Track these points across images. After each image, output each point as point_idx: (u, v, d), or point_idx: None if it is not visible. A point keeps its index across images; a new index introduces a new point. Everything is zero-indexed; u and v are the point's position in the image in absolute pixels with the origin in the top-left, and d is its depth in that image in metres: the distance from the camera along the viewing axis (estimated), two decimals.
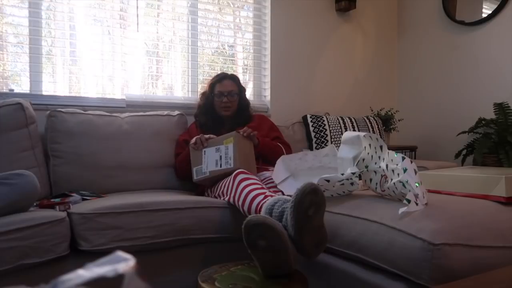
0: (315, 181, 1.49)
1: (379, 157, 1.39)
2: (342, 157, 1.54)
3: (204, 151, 1.88)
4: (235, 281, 1.16)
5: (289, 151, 2.18)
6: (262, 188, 1.56)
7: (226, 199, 1.72)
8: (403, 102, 3.38)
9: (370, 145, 1.42)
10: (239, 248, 1.75)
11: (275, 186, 1.76)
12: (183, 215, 1.60)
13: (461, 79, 2.95)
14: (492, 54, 2.76)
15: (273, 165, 1.93)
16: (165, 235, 1.56)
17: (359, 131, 2.66)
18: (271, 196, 1.47)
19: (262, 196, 1.49)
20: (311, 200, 1.18)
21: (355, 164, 1.45)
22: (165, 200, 1.62)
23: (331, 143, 2.60)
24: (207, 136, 1.91)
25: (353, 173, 1.44)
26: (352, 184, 1.52)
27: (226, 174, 1.78)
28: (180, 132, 2.24)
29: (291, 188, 1.73)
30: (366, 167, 1.44)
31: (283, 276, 1.20)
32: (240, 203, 1.58)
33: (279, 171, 1.77)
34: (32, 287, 0.38)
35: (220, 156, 1.83)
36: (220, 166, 1.83)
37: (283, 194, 1.66)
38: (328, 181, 1.46)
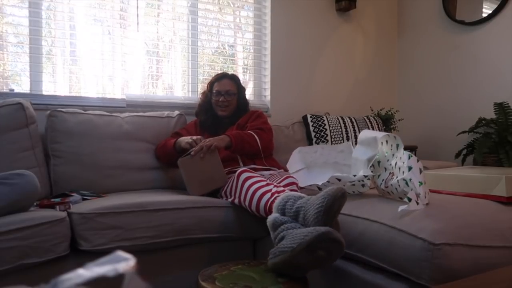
0: (327, 178, 1.49)
1: (393, 155, 1.39)
2: (357, 158, 1.53)
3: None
4: (235, 280, 1.16)
5: (263, 135, 2.04)
6: (268, 184, 1.56)
7: (231, 200, 1.72)
8: (403, 102, 3.37)
9: (387, 141, 1.41)
10: (239, 247, 1.75)
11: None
12: (183, 215, 1.60)
13: (461, 79, 2.95)
14: (492, 54, 2.76)
15: (253, 157, 1.98)
16: (165, 235, 1.56)
17: (359, 131, 2.65)
18: (278, 192, 1.47)
19: (269, 194, 1.49)
20: (339, 204, 1.19)
21: (369, 167, 1.45)
22: (165, 200, 1.62)
23: (331, 143, 2.60)
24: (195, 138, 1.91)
25: (366, 176, 1.44)
26: (363, 186, 1.52)
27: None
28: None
29: (304, 180, 1.72)
30: (379, 162, 1.44)
31: (284, 275, 1.20)
32: (247, 203, 1.58)
33: (294, 162, 1.77)
34: (32, 287, 0.38)
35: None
36: (188, 189, 1.82)
37: (296, 185, 1.66)
38: (339, 180, 1.46)
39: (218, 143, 1.86)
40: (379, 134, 1.43)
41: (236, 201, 1.66)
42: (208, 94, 2.24)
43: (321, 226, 1.16)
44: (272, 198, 1.46)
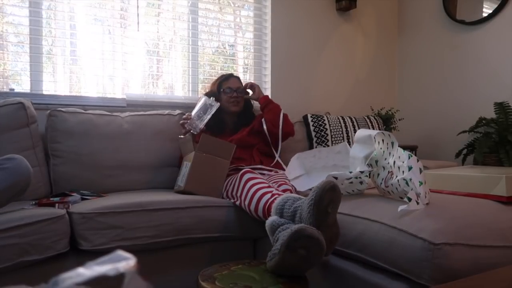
0: (304, 185, 1.49)
1: (390, 153, 1.39)
2: (354, 156, 1.53)
3: (184, 163, 1.89)
4: (235, 280, 1.16)
5: (288, 122, 2.30)
6: (269, 186, 1.56)
7: (232, 201, 1.72)
8: (403, 101, 3.37)
9: (383, 140, 1.42)
10: (240, 247, 1.75)
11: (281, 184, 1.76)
12: (183, 214, 1.60)
13: (461, 78, 2.95)
14: (493, 53, 2.76)
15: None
16: (165, 235, 1.56)
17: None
18: (278, 194, 1.47)
19: (270, 195, 1.49)
20: (330, 197, 1.18)
21: (366, 163, 1.45)
22: (166, 199, 1.62)
23: (332, 143, 2.59)
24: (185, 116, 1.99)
25: (362, 172, 1.44)
26: (361, 183, 1.52)
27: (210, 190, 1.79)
28: (181, 131, 2.24)
29: (304, 185, 1.72)
30: (376, 162, 1.44)
31: (284, 275, 1.20)
32: (246, 202, 1.58)
33: (293, 168, 1.77)
34: (33, 286, 0.38)
35: (184, 173, 1.82)
36: (179, 183, 1.83)
37: (291, 192, 1.66)
38: (336, 178, 1.46)
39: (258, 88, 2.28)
40: (373, 132, 1.43)
41: (238, 202, 1.67)
42: (215, 93, 2.24)
43: (314, 220, 1.16)
44: (272, 198, 1.46)
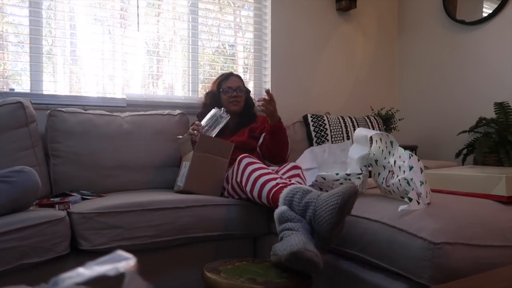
0: (314, 177, 1.50)
1: (389, 152, 1.39)
2: (351, 157, 1.53)
3: (183, 163, 1.89)
4: (240, 273, 1.16)
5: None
6: (270, 173, 1.55)
7: (234, 180, 1.70)
8: (403, 101, 3.37)
9: (381, 139, 1.42)
10: (240, 246, 1.75)
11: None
12: (183, 213, 1.60)
13: (461, 78, 2.95)
14: (493, 53, 2.76)
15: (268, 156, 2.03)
16: (165, 234, 1.56)
17: None
18: (283, 183, 1.46)
19: (274, 183, 1.48)
20: (353, 202, 1.21)
21: (362, 165, 1.45)
22: (165, 199, 1.62)
23: (332, 143, 2.59)
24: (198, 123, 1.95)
25: (348, 174, 1.44)
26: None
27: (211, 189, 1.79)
28: (181, 131, 2.24)
29: (311, 178, 1.72)
30: (376, 161, 1.44)
31: (288, 270, 1.20)
32: (248, 188, 1.57)
33: (305, 160, 1.78)
34: (33, 286, 0.38)
35: (183, 173, 1.83)
36: (179, 183, 1.84)
37: (300, 177, 1.67)
38: (324, 179, 1.47)
39: (274, 113, 1.95)
40: (370, 133, 1.43)
41: (237, 180, 1.64)
42: (216, 93, 2.23)
43: (334, 224, 1.18)
44: (277, 187, 1.44)
